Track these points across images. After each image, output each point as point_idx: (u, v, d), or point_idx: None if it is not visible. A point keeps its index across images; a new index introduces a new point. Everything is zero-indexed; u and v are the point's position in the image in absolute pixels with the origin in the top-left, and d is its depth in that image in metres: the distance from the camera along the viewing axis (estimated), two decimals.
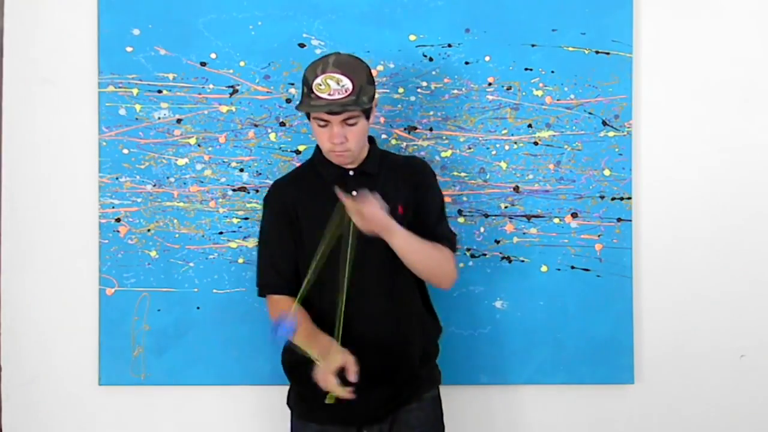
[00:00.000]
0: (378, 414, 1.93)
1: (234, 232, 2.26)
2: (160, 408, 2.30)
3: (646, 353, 2.31)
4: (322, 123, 1.84)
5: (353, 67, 1.84)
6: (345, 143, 1.85)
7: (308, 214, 1.91)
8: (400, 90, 2.26)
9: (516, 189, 2.27)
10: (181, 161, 2.26)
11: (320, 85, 1.81)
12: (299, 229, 1.92)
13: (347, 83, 1.80)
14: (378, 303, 1.91)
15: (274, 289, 1.94)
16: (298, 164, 2.22)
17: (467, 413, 2.30)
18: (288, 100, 2.24)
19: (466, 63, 2.26)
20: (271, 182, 2.23)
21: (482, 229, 2.27)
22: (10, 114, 2.28)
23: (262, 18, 2.25)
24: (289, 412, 2.01)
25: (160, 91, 2.25)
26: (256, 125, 2.25)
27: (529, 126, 2.27)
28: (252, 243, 2.25)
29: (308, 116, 1.89)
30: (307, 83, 1.83)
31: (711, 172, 2.32)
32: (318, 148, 1.94)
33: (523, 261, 2.27)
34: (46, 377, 2.29)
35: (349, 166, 1.92)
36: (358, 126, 1.85)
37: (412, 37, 2.25)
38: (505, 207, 2.27)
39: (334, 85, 1.80)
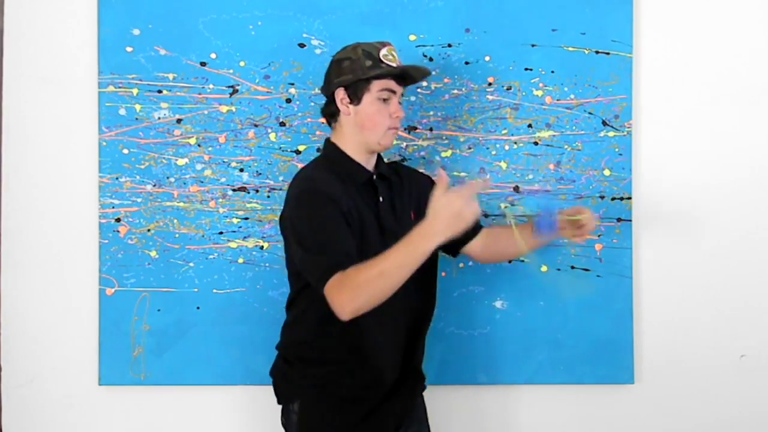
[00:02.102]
0: (409, 408, 1.95)
1: (234, 232, 2.26)
2: (160, 408, 2.30)
3: (646, 353, 2.31)
4: (386, 96, 1.85)
5: None
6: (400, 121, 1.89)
7: (349, 213, 1.82)
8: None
9: (516, 189, 2.27)
10: (181, 161, 2.26)
11: (388, 55, 1.85)
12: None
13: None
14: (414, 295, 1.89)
15: (346, 266, 1.70)
16: (299, 165, 2.23)
17: (467, 413, 2.30)
18: (288, 100, 2.24)
19: (466, 63, 2.26)
20: (271, 182, 2.24)
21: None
22: (10, 114, 2.28)
23: (262, 18, 2.25)
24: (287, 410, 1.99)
25: (160, 91, 2.25)
26: (256, 125, 2.25)
27: (529, 126, 2.27)
28: (252, 243, 2.25)
29: (355, 96, 1.85)
30: (370, 56, 1.84)
31: (711, 172, 2.32)
32: (334, 149, 1.89)
33: (523, 261, 2.27)
34: (46, 377, 2.29)
35: (370, 168, 1.92)
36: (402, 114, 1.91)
37: (412, 37, 2.26)
38: (505, 207, 2.27)
39: (399, 59, 1.88)
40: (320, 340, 1.86)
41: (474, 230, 2.03)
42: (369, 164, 1.91)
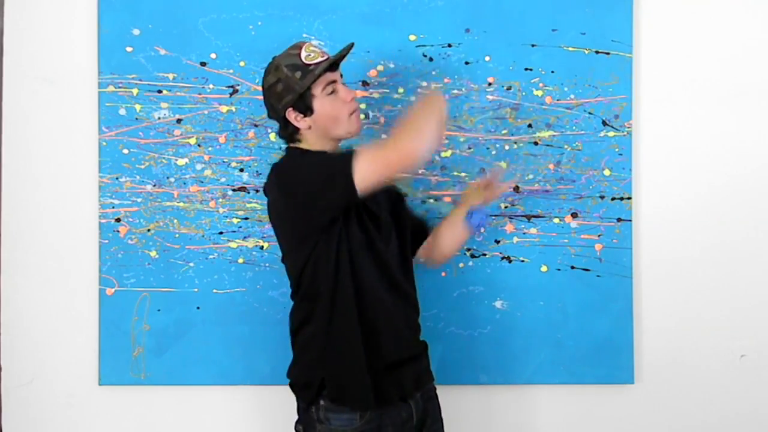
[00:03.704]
0: (421, 381, 1.95)
1: (234, 232, 2.26)
2: (160, 408, 2.30)
3: (646, 353, 2.31)
4: (331, 89, 1.85)
5: None
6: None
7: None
8: (400, 90, 2.26)
9: (516, 189, 2.27)
10: (181, 161, 2.26)
11: (309, 54, 1.84)
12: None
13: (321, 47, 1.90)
14: (403, 275, 1.93)
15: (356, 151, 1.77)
16: None
17: (467, 413, 2.30)
18: None
19: (466, 63, 2.26)
20: None
21: (482, 229, 2.27)
22: (10, 114, 2.28)
23: (262, 18, 2.25)
24: (288, 411, 1.98)
25: (160, 91, 2.25)
26: (256, 125, 2.25)
27: (529, 126, 2.27)
28: (252, 243, 2.25)
29: (306, 108, 1.85)
30: (295, 67, 1.83)
31: (711, 171, 2.32)
32: (303, 151, 1.89)
33: (523, 261, 2.27)
34: (46, 377, 2.29)
35: None
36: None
37: (412, 37, 2.25)
38: (505, 207, 2.27)
39: (320, 49, 1.86)
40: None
41: (425, 229, 2.11)
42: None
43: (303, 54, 1.83)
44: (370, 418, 1.83)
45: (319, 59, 1.83)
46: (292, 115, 1.86)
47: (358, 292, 1.82)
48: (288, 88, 1.83)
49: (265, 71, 1.89)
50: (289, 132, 1.90)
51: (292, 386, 1.92)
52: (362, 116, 2.08)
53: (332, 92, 1.85)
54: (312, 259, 1.82)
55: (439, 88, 2.19)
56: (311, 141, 1.89)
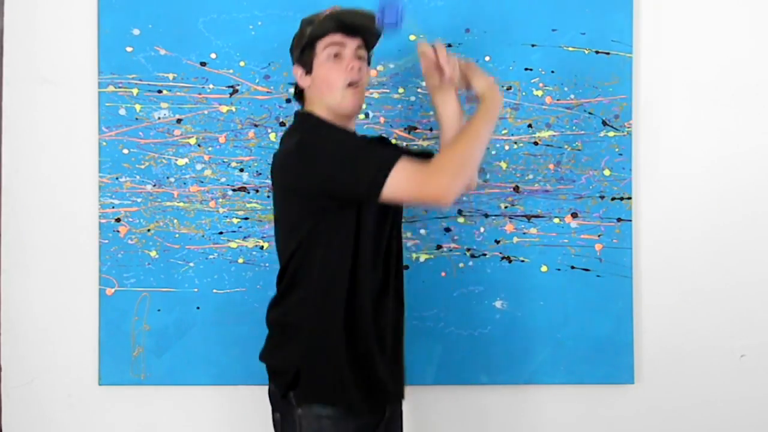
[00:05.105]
0: (399, 393, 1.86)
1: (234, 232, 2.26)
2: (160, 408, 2.30)
3: (646, 353, 2.31)
4: (335, 51, 1.75)
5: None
6: (361, 75, 1.76)
7: None
8: (400, 90, 2.26)
9: (516, 189, 2.27)
10: (181, 161, 2.26)
11: (326, 12, 1.76)
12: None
13: (367, 12, 1.76)
14: (398, 284, 1.87)
15: (398, 159, 1.63)
16: None
17: (467, 413, 2.30)
18: (288, 100, 2.24)
19: None
20: (271, 182, 2.24)
21: (482, 229, 2.27)
22: (10, 114, 2.28)
23: (262, 18, 2.25)
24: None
25: (160, 91, 2.25)
26: (256, 125, 2.25)
27: (529, 126, 2.27)
28: (252, 243, 2.25)
29: (307, 66, 1.76)
30: (310, 23, 1.76)
31: (711, 171, 2.32)
32: (309, 115, 1.79)
33: (523, 261, 2.27)
34: (46, 377, 2.29)
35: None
36: (364, 69, 1.80)
37: (412, 37, 2.25)
38: (505, 207, 2.27)
39: (342, 9, 1.77)
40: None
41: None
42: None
43: (325, 13, 1.76)
44: (348, 413, 1.74)
45: (333, 15, 1.75)
46: (297, 72, 1.82)
47: (351, 285, 1.72)
48: (297, 42, 1.80)
49: None
50: (297, 91, 1.85)
51: (270, 371, 1.82)
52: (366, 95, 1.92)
53: (336, 55, 1.76)
54: (307, 242, 1.72)
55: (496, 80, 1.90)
56: (314, 105, 1.81)
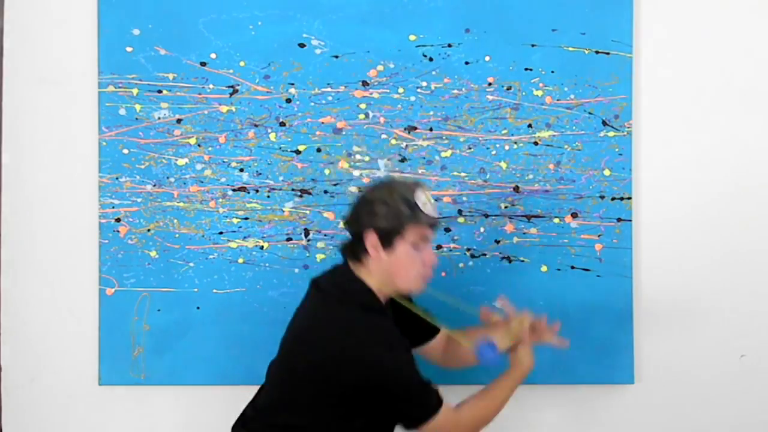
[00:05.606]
0: None
1: (234, 232, 2.26)
2: (160, 408, 2.30)
3: (646, 353, 2.31)
4: (419, 243, 1.78)
5: None
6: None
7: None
8: (400, 90, 2.26)
9: (516, 189, 2.27)
10: (181, 161, 2.26)
11: (426, 203, 1.78)
12: None
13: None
14: None
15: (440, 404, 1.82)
16: (299, 165, 2.22)
17: None
18: (288, 100, 2.24)
19: (466, 63, 2.26)
20: (271, 182, 2.25)
21: (482, 229, 2.27)
22: (10, 114, 2.28)
23: (262, 18, 2.25)
24: None
25: (160, 91, 2.25)
26: (256, 125, 2.25)
27: (529, 126, 2.27)
28: (252, 243, 2.25)
29: (388, 243, 1.77)
30: (407, 202, 1.75)
31: (711, 172, 2.32)
32: (362, 288, 1.80)
33: (523, 261, 2.27)
34: (46, 377, 2.29)
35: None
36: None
37: (412, 37, 2.25)
38: (505, 207, 2.27)
39: (431, 201, 1.81)
40: None
41: (431, 332, 2.05)
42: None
43: (420, 197, 1.76)
44: None
45: (433, 213, 1.78)
46: (372, 239, 1.77)
47: None
48: (388, 214, 1.75)
49: (377, 183, 1.85)
50: (356, 249, 1.80)
51: None
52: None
53: (419, 247, 1.79)
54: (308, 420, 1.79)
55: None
56: (374, 274, 1.80)
